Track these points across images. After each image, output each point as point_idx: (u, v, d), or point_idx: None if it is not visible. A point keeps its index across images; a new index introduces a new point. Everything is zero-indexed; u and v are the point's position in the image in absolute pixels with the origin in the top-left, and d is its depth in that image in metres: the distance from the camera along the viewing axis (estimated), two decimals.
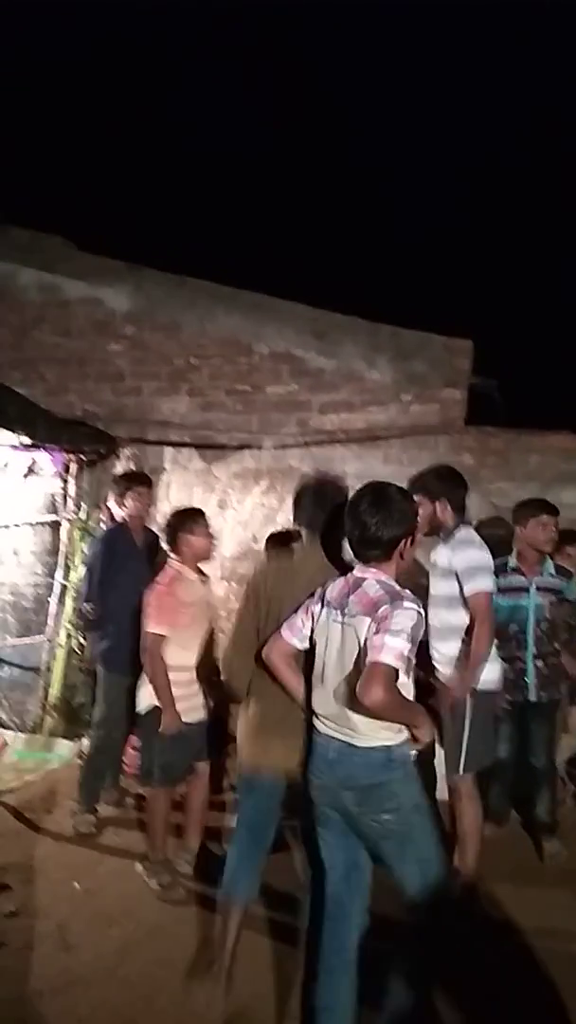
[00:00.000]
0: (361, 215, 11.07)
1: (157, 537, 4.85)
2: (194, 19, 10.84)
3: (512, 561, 4.11)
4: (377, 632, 2.32)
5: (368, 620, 2.37)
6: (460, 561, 3.43)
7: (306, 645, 2.64)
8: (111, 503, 4.66)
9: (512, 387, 5.74)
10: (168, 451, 5.62)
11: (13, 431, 4.65)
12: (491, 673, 3.49)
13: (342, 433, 5.21)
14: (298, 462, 5.31)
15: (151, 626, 3.59)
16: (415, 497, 3.32)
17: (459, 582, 3.43)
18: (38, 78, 10.84)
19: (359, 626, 2.40)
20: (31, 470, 5.54)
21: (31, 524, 5.71)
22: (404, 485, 4.78)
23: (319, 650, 2.56)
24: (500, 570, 4.10)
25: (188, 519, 3.76)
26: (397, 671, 2.29)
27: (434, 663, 3.57)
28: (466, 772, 3.47)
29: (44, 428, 4.85)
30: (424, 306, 5.95)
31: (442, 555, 3.54)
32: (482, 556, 3.46)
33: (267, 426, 5.40)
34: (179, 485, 5.59)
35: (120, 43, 11.08)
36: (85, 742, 4.82)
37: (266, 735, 2.80)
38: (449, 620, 3.50)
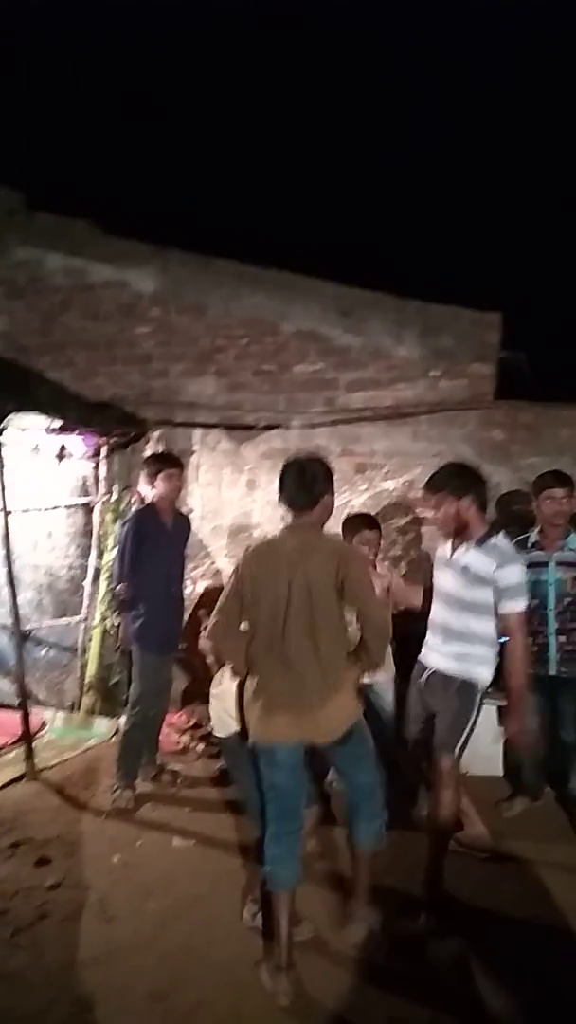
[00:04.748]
0: (385, 189, 10.92)
1: (187, 519, 4.90)
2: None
3: (534, 536, 4.08)
4: None
5: None
6: (506, 577, 3.15)
7: None
8: (142, 485, 4.69)
9: (542, 359, 5.65)
10: (197, 432, 5.65)
11: (44, 415, 4.70)
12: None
13: (370, 411, 5.19)
14: (326, 441, 5.30)
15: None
16: (435, 497, 3.32)
17: (496, 594, 3.18)
18: (61, 64, 10.84)
19: None
20: (62, 454, 5.61)
21: (64, 507, 5.79)
22: (433, 461, 4.86)
23: None
24: (522, 545, 4.05)
25: None
26: None
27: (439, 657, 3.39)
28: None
29: (74, 412, 4.89)
30: (451, 280, 5.85)
31: (476, 560, 3.23)
32: (523, 573, 3.23)
33: (294, 405, 5.39)
34: (208, 466, 5.63)
35: (141, 25, 11.01)
36: (122, 720, 4.91)
37: (281, 709, 2.86)
38: (475, 626, 3.26)
